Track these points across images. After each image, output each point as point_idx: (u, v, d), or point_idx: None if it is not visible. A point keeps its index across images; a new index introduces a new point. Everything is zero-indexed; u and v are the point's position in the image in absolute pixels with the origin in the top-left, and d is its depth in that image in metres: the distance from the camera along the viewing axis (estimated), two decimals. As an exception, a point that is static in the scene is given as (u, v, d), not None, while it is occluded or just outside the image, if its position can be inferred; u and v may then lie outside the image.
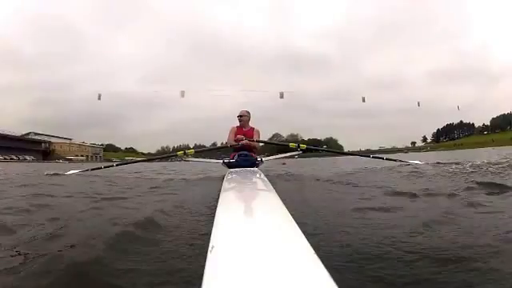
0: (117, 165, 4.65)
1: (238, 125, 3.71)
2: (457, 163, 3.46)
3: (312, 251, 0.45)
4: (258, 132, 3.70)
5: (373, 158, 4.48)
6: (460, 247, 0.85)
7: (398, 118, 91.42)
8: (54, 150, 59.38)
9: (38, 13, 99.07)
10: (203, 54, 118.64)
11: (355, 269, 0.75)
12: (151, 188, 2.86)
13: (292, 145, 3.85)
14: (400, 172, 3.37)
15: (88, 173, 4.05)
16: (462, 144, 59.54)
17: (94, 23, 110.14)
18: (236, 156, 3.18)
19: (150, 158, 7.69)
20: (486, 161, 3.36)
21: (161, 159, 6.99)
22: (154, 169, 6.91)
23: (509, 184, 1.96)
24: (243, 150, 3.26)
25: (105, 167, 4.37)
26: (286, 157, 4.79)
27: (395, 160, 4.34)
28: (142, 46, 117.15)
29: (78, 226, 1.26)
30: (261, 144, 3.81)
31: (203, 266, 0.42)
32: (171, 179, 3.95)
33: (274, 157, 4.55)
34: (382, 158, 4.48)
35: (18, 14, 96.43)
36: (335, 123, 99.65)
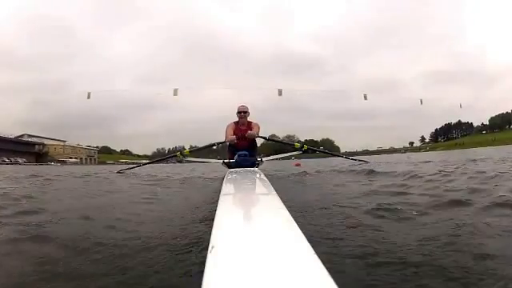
0: (142, 164, 5.76)
1: (237, 121, 3.53)
2: None
3: (312, 251, 0.45)
4: (257, 125, 3.54)
5: (345, 158, 5.61)
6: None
7: (395, 119, 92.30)
8: (47, 152, 58.55)
9: (33, 13, 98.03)
10: (200, 56, 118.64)
11: (355, 269, 0.75)
12: (152, 188, 2.86)
13: (297, 144, 3.98)
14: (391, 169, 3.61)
15: (127, 171, 5.17)
16: (463, 143, 59.49)
17: (90, 23, 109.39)
18: (236, 156, 3.06)
19: (154, 160, 8.50)
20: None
21: (160, 161, 7.25)
22: (156, 169, 7.02)
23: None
24: (243, 150, 3.14)
25: (136, 167, 5.48)
26: (284, 157, 4.79)
27: (355, 159, 5.51)
28: (138, 47, 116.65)
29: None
30: (262, 140, 3.77)
31: (203, 266, 0.41)
32: (171, 179, 3.97)
33: (273, 157, 4.47)
34: (349, 158, 5.62)
35: (13, 14, 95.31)
36: (332, 124, 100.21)
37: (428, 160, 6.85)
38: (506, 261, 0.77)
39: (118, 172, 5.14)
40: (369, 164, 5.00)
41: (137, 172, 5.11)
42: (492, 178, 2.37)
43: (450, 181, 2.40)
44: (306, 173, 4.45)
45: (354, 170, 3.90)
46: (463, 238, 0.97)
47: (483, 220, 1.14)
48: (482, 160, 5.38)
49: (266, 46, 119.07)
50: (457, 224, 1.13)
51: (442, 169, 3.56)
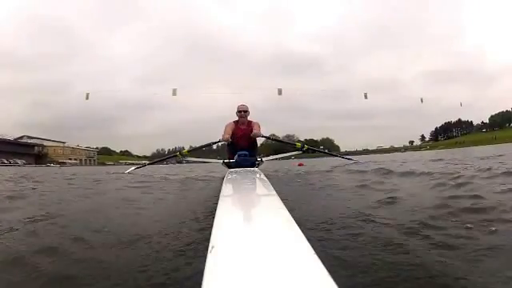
0: (147, 164, 5.91)
1: (237, 120, 3.49)
2: None
3: (312, 251, 0.45)
4: (257, 124, 3.51)
5: (340, 157, 5.64)
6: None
7: (395, 118, 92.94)
8: (47, 154, 58.48)
9: (33, 13, 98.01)
10: (199, 56, 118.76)
11: (355, 269, 0.75)
12: (152, 188, 2.85)
13: (298, 144, 4.02)
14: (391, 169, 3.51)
15: (134, 171, 5.25)
16: (463, 142, 58.65)
17: (90, 23, 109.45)
18: (236, 156, 3.03)
19: (157, 160, 8.30)
20: None
21: (162, 161, 7.15)
22: (153, 170, 7.02)
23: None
24: (243, 150, 3.09)
25: (142, 167, 5.63)
26: (284, 157, 4.77)
27: (349, 158, 5.61)
28: (138, 47, 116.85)
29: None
30: (262, 140, 3.78)
31: (203, 266, 0.41)
32: (171, 180, 3.97)
33: (273, 157, 4.44)
34: (343, 157, 5.62)
35: (13, 14, 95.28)
36: (332, 124, 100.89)
37: (437, 158, 6.33)
38: None
39: (129, 173, 5.13)
40: (366, 164, 4.80)
41: (133, 173, 5.12)
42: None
43: (491, 183, 1.99)
44: (310, 173, 4.27)
45: (365, 171, 3.55)
46: None
47: None
48: (492, 158, 5.19)
49: (266, 46, 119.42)
50: None
51: (461, 167, 3.23)
